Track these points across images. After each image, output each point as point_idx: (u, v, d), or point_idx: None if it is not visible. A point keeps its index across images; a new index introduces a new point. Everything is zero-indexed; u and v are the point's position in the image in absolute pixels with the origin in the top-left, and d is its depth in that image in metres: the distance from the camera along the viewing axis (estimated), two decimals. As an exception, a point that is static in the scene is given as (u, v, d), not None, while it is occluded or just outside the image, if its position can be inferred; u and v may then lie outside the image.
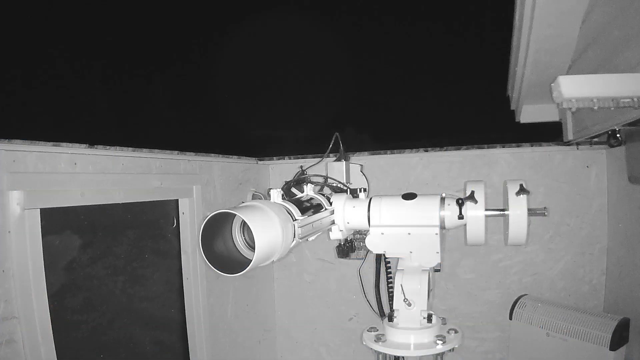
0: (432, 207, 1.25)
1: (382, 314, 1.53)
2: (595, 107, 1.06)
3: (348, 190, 1.43)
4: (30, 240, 1.39)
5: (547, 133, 2.42)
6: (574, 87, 1.04)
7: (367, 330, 1.28)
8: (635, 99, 1.02)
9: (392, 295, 1.27)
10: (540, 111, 2.36)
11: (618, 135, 1.97)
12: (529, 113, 2.41)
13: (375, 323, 1.33)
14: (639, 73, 0.80)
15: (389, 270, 1.48)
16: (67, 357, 1.54)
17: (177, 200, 2.13)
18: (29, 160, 1.41)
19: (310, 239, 1.17)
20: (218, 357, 2.28)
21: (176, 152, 1.98)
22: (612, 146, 2.05)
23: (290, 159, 2.76)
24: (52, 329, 1.46)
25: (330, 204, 1.30)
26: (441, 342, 1.18)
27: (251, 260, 0.87)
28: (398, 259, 1.31)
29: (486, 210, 1.21)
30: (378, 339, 1.22)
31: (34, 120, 2.06)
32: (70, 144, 1.49)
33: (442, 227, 1.25)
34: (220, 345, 2.32)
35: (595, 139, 2.24)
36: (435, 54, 3.06)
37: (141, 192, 1.86)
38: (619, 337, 1.93)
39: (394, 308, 1.25)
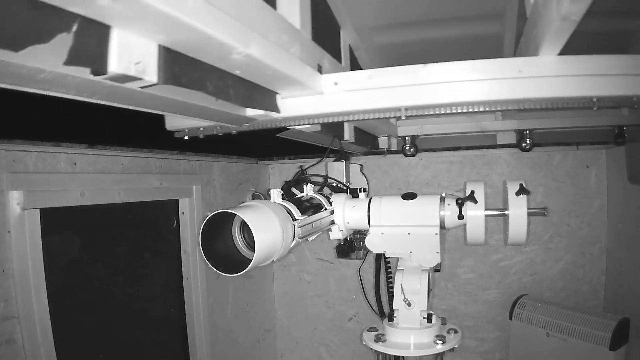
0: (432, 207, 1.25)
1: (382, 314, 1.53)
2: (202, 136, 1.23)
3: (348, 190, 1.43)
4: (30, 240, 1.39)
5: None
6: (177, 121, 1.20)
7: (367, 330, 1.28)
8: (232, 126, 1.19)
9: (392, 295, 1.27)
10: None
11: (406, 145, 2.13)
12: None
13: (375, 323, 1.32)
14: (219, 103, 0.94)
15: (389, 270, 1.48)
16: (67, 357, 1.54)
17: (177, 200, 2.13)
18: (29, 160, 1.41)
19: (310, 239, 1.17)
20: (218, 357, 2.28)
21: (176, 152, 1.98)
22: (406, 155, 2.15)
23: (290, 159, 2.76)
24: (52, 329, 1.46)
25: (330, 203, 1.30)
26: (441, 342, 1.18)
27: (251, 260, 0.87)
28: (398, 259, 1.31)
29: (486, 210, 1.21)
30: (378, 339, 1.22)
31: (34, 120, 2.06)
32: (70, 144, 1.49)
33: (442, 227, 1.25)
34: (220, 345, 2.32)
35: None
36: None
37: (141, 192, 1.86)
38: (619, 337, 1.93)
39: (393, 308, 1.25)
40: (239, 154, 2.54)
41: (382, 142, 2.17)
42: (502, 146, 2.39)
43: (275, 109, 1.05)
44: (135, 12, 0.52)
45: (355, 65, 1.56)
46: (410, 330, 1.20)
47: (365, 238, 1.30)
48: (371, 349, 1.22)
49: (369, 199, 1.32)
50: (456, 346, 1.20)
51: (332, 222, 1.29)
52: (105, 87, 0.65)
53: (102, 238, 1.83)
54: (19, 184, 1.36)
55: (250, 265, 0.88)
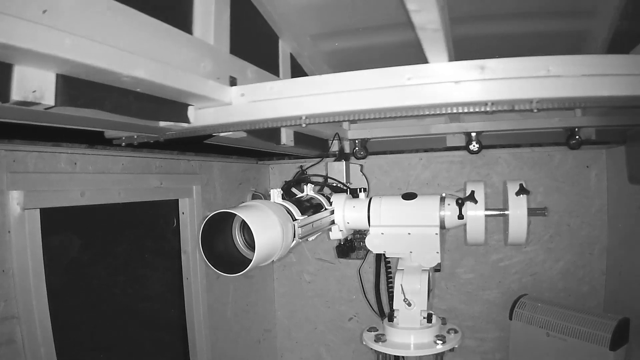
0: (432, 207, 1.25)
1: (382, 314, 1.53)
2: (136, 143, 1.46)
3: (348, 190, 1.43)
4: (30, 240, 1.39)
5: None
6: (112, 130, 1.34)
7: (367, 330, 1.28)
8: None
9: (392, 295, 1.27)
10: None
11: (356, 147, 2.28)
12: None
13: (375, 323, 1.33)
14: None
15: (389, 270, 1.48)
16: (67, 357, 1.54)
17: (177, 200, 2.13)
18: (29, 160, 1.41)
19: (310, 239, 1.17)
20: (218, 357, 2.28)
21: (176, 152, 1.98)
22: (357, 158, 2.28)
23: (290, 159, 2.76)
24: (52, 329, 1.46)
25: (330, 203, 1.30)
26: (441, 342, 1.18)
27: (251, 260, 0.87)
28: (398, 259, 1.31)
29: (486, 210, 1.21)
30: (378, 339, 1.22)
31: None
32: (70, 144, 1.49)
33: (442, 227, 1.25)
34: (220, 345, 2.32)
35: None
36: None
37: (141, 192, 1.86)
38: (619, 337, 1.93)
39: (394, 308, 1.25)
40: (239, 154, 2.53)
41: (335, 146, 2.27)
42: (502, 146, 2.39)
43: (184, 119, 1.11)
44: (23, 55, 0.66)
45: (299, 73, 1.60)
46: (410, 330, 1.20)
47: (365, 238, 1.30)
48: (371, 349, 1.22)
49: (369, 199, 1.32)
50: (456, 346, 1.20)
51: (332, 222, 1.29)
52: (15, 110, 0.81)
53: (102, 238, 1.83)
54: (19, 184, 1.36)
55: (250, 266, 0.88)
